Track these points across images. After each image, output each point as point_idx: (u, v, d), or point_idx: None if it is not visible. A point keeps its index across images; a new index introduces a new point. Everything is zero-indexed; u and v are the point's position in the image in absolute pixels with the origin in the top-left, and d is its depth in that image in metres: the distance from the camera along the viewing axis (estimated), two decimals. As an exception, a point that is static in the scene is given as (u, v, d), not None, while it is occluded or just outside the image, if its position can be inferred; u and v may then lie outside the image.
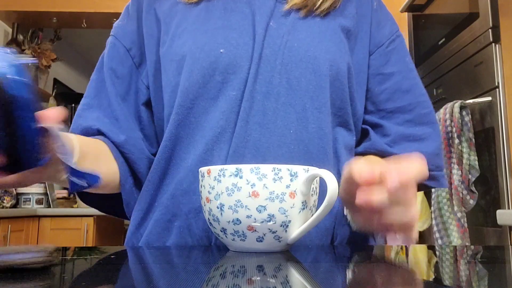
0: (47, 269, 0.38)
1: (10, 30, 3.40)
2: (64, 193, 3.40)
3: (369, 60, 0.72)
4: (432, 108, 0.73)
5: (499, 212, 1.42)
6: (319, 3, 0.68)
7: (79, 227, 2.91)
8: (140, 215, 0.68)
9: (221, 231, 0.51)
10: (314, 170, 0.50)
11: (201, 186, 0.53)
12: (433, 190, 1.78)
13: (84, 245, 2.87)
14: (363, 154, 0.71)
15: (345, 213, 0.66)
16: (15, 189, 2.99)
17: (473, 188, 1.64)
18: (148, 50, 0.72)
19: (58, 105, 3.87)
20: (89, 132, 0.69)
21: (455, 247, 0.64)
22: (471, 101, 1.70)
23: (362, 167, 0.48)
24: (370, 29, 0.73)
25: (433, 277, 0.40)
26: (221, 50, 0.64)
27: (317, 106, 0.65)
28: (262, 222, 0.48)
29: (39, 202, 3.04)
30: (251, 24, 0.66)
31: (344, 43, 0.69)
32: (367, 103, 0.73)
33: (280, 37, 0.65)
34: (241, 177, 0.48)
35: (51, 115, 0.41)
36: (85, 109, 0.71)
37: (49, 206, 3.08)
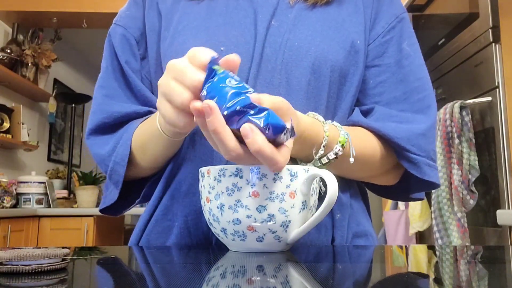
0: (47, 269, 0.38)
1: (10, 30, 3.40)
2: (64, 193, 3.40)
3: (367, 51, 0.71)
4: (429, 88, 0.69)
5: (499, 212, 1.42)
6: None
7: (79, 227, 2.91)
8: (146, 218, 0.68)
9: (221, 231, 0.51)
10: (314, 170, 0.50)
11: (201, 186, 0.53)
12: (433, 190, 1.78)
13: (84, 245, 2.87)
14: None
15: None
16: (15, 189, 2.98)
17: (473, 188, 1.64)
18: (149, 45, 0.72)
19: (58, 105, 3.87)
20: (131, 117, 0.68)
21: (455, 247, 0.64)
22: (471, 101, 1.70)
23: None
24: (370, 20, 0.71)
25: (433, 277, 0.40)
26: (222, 48, 0.64)
27: (313, 106, 0.64)
28: (262, 222, 0.48)
29: (39, 202, 3.04)
30: (253, 22, 0.66)
31: (348, 40, 0.67)
32: (361, 96, 0.71)
33: (281, 36, 0.64)
34: (241, 177, 0.48)
35: None
36: (110, 99, 0.69)
37: (49, 206, 3.08)
